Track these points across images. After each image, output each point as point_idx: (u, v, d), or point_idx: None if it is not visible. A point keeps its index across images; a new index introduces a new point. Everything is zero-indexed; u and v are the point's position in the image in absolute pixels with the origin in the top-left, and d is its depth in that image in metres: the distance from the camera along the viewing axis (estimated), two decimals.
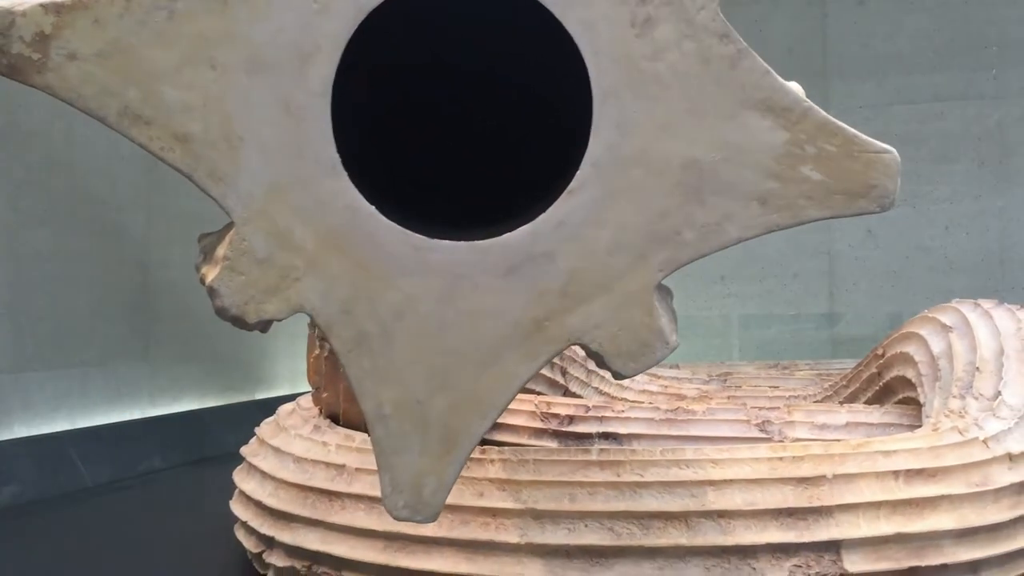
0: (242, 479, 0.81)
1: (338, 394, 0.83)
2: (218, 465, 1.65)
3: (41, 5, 0.36)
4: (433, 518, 0.42)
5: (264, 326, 0.41)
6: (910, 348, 0.89)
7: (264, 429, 0.86)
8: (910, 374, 0.88)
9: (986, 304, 0.88)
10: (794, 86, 0.40)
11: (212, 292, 0.39)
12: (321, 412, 0.87)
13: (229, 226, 0.39)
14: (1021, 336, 0.81)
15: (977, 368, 0.78)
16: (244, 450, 0.86)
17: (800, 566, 0.59)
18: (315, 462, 0.71)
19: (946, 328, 0.86)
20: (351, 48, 0.37)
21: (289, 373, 2.22)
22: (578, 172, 0.38)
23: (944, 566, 0.62)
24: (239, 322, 0.40)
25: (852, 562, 0.60)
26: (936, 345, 0.85)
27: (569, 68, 0.37)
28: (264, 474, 0.75)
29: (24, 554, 0.95)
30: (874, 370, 0.97)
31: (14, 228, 1.37)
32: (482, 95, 0.50)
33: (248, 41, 0.37)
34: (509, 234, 0.39)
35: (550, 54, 0.37)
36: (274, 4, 0.36)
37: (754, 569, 0.59)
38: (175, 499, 1.33)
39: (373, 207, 0.38)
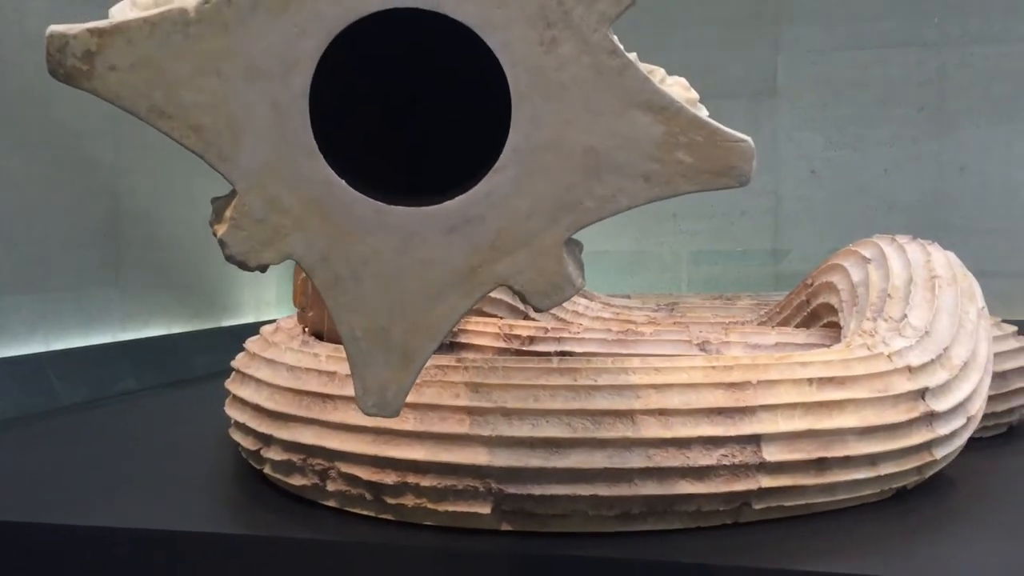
0: (236, 387, 0.89)
1: (323, 314, 0.91)
2: (191, 386, 1.73)
3: (88, 29, 0.46)
4: (395, 414, 0.53)
5: (262, 268, 0.52)
6: (834, 278, 0.99)
7: (253, 345, 0.95)
8: (833, 301, 0.99)
9: (901, 239, 0.99)
10: (679, 81, 0.50)
11: (222, 243, 0.49)
12: (305, 330, 0.96)
13: (233, 193, 0.49)
14: (929, 267, 0.92)
15: (889, 295, 0.89)
16: (235, 363, 0.94)
17: (726, 455, 0.70)
18: (308, 370, 0.79)
19: (865, 260, 0.96)
20: (327, 56, 0.47)
21: (254, 301, 2.28)
22: (501, 155, 0.48)
23: (847, 457, 0.73)
24: (243, 266, 0.50)
25: (770, 453, 0.71)
26: (856, 275, 0.96)
27: (493, 75, 0.47)
28: (260, 381, 0.84)
29: (17, 463, 1.02)
30: (803, 298, 1.08)
31: None
32: (435, 96, 0.60)
33: (245, 56, 0.46)
34: (449, 202, 0.49)
35: (480, 66, 0.47)
36: (265, 29, 0.46)
37: (688, 457, 0.69)
38: (156, 415, 1.40)
39: (343, 181, 0.48)
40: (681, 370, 0.73)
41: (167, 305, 1.96)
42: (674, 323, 1.16)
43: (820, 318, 1.03)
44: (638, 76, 0.47)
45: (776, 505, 0.72)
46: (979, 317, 0.88)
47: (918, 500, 0.79)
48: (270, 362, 0.85)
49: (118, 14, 0.50)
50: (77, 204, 1.65)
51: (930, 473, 0.80)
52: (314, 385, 0.77)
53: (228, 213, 0.49)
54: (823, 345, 0.92)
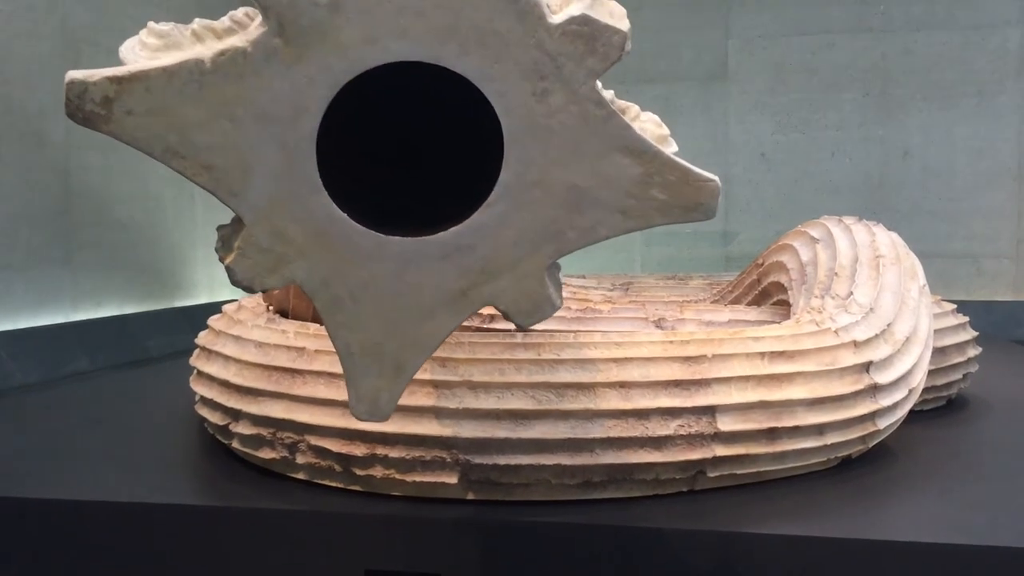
0: (202, 363, 0.91)
1: (288, 291, 0.93)
2: (146, 366, 1.72)
3: (107, 77, 0.48)
4: (386, 419, 0.57)
5: (266, 291, 0.56)
6: (784, 257, 1.03)
7: (217, 322, 0.96)
8: (783, 280, 1.03)
9: (848, 220, 1.03)
10: (651, 118, 0.54)
11: (229, 270, 0.52)
12: (269, 308, 0.97)
13: (237, 222, 0.52)
14: (874, 247, 0.96)
15: (836, 273, 0.93)
16: (199, 340, 0.95)
17: (683, 425, 0.73)
18: (276, 346, 0.81)
19: (814, 240, 1.00)
20: (336, 101, 0.50)
21: (207, 281, 2.26)
22: (493, 192, 0.52)
23: (797, 427, 0.77)
24: (248, 289, 0.53)
25: (724, 423, 0.74)
26: (805, 254, 0.99)
27: (488, 120, 0.51)
28: (227, 357, 0.85)
29: None
30: (754, 277, 1.12)
31: None
32: (433, 137, 0.66)
33: (257, 103, 0.49)
34: (443, 232, 0.53)
35: (476, 112, 0.51)
36: (277, 79, 0.49)
37: (646, 427, 0.72)
38: (113, 394, 1.39)
39: (345, 214, 0.52)
40: (640, 345, 0.76)
41: (119, 285, 1.94)
42: (630, 302, 1.19)
43: (771, 296, 1.07)
44: (620, 124, 0.51)
45: (729, 473, 0.76)
46: (920, 295, 0.93)
47: (862, 468, 0.84)
48: (237, 339, 0.86)
49: (128, 54, 0.53)
50: (26, 182, 1.63)
51: (873, 443, 0.84)
52: (283, 360, 0.79)
53: (236, 243, 0.52)
54: (773, 322, 0.95)
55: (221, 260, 0.53)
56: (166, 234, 2.11)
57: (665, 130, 0.56)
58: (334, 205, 0.51)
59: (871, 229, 1.00)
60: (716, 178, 0.53)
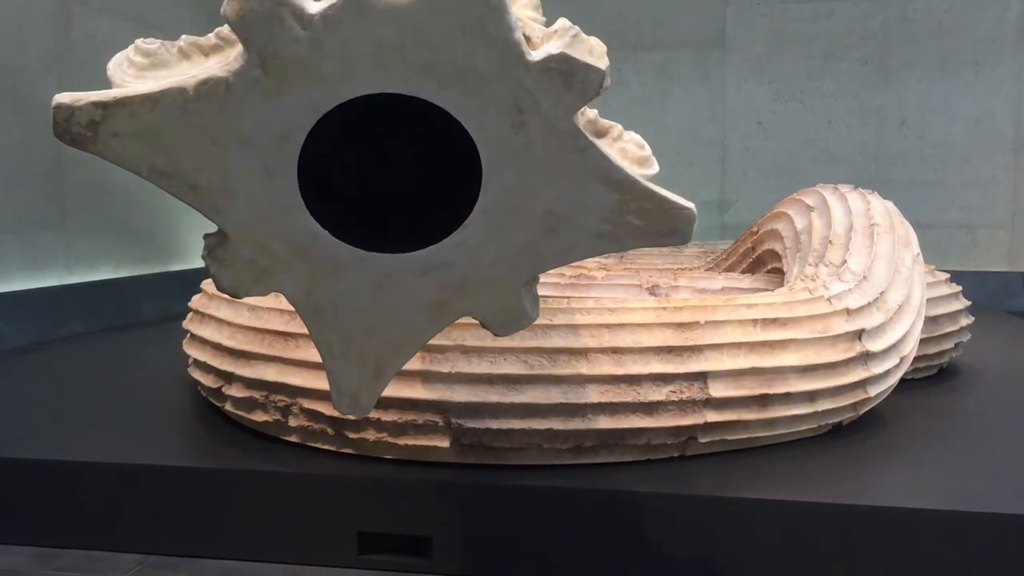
0: (196, 327, 0.90)
1: None
2: (140, 330, 1.72)
3: (92, 102, 0.49)
4: (367, 413, 0.60)
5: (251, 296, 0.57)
6: (778, 225, 1.03)
7: (211, 286, 0.95)
8: (778, 248, 1.03)
9: (843, 188, 1.03)
10: (633, 138, 0.54)
11: (215, 278, 0.54)
12: None
13: (226, 235, 0.53)
14: (868, 215, 0.96)
15: (830, 241, 0.93)
16: (193, 303, 0.95)
17: (675, 391, 0.73)
18: (269, 309, 0.81)
19: (809, 208, 1.00)
20: (319, 123, 0.51)
21: (201, 246, 2.25)
22: (471, 215, 0.53)
23: (788, 394, 0.77)
24: (234, 296, 0.55)
25: (716, 389, 0.74)
26: (799, 222, 0.99)
27: (468, 150, 0.52)
28: (220, 320, 0.85)
29: None
30: (749, 245, 1.12)
31: None
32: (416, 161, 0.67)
33: (239, 129, 0.50)
34: (423, 250, 0.54)
35: (456, 141, 0.52)
36: (259, 107, 0.50)
37: (639, 393, 0.72)
38: (108, 356, 1.39)
39: (326, 231, 0.53)
40: (633, 311, 0.76)
41: (113, 249, 1.94)
42: (624, 269, 1.19)
43: (765, 264, 1.07)
44: (598, 155, 0.53)
45: (720, 439, 0.76)
46: (914, 263, 0.93)
47: (852, 435, 0.84)
48: (230, 302, 0.86)
49: (115, 71, 0.54)
50: (19, 144, 1.62)
51: (864, 410, 0.85)
52: (276, 324, 0.79)
53: (221, 254, 0.53)
54: (767, 289, 0.95)
55: (207, 269, 0.54)
56: (161, 198, 2.09)
57: (647, 151, 0.57)
58: (316, 223, 0.53)
59: (866, 197, 1.00)
60: (691, 205, 0.54)
